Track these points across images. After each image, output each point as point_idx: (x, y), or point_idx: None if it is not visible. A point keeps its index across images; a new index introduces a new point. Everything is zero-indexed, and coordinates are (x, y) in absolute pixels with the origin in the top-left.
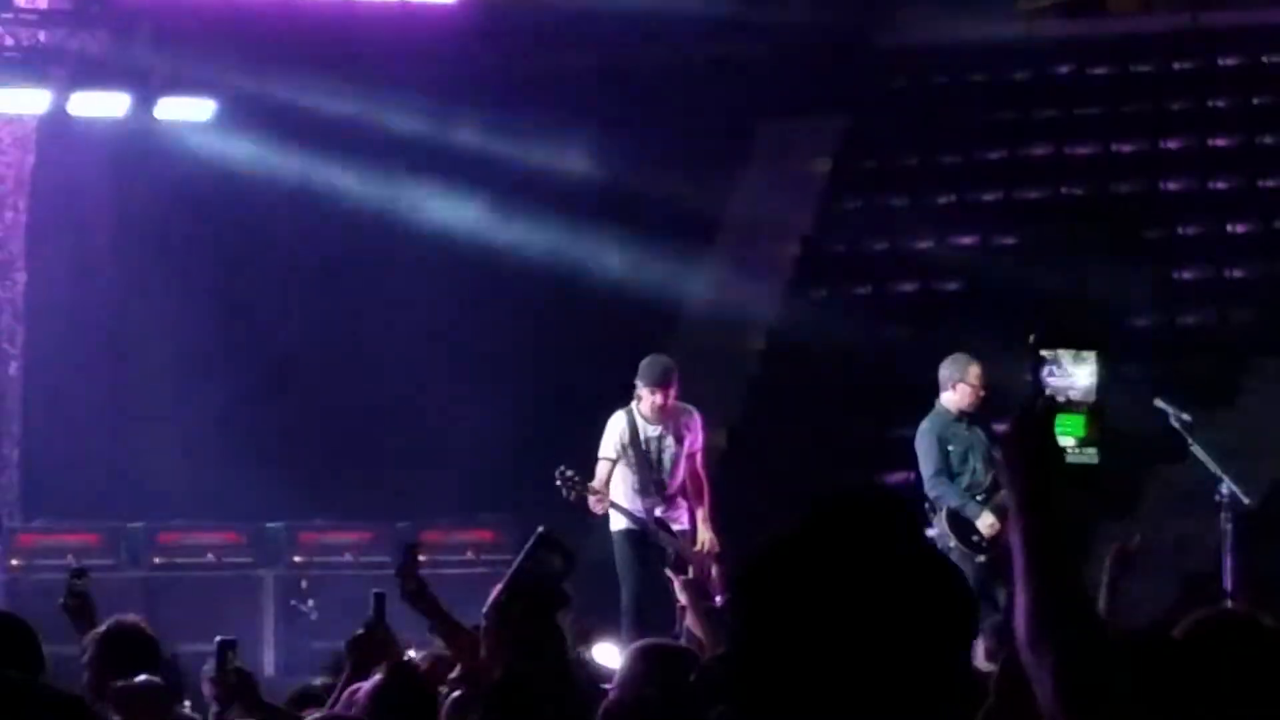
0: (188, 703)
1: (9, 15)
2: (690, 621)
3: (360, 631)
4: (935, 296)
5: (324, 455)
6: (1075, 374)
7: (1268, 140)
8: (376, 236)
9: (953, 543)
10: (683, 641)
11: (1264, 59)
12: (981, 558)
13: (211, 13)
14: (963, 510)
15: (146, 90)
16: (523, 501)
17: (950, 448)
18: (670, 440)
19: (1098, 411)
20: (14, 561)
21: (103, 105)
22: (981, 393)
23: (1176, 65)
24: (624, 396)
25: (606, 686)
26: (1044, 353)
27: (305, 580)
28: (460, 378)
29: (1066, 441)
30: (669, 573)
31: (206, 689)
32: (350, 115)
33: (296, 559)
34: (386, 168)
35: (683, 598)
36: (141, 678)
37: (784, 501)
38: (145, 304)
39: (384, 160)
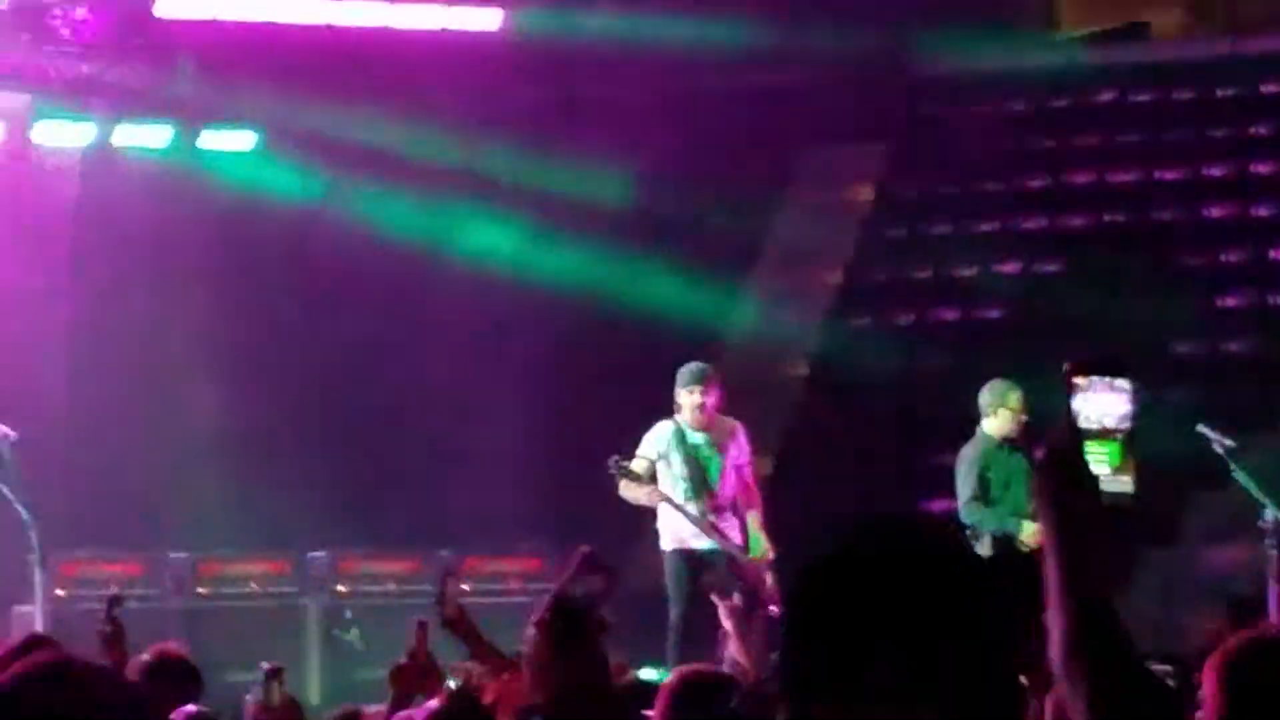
0: None
1: (51, 48)
2: (733, 648)
3: (402, 660)
4: (977, 324)
5: (367, 483)
6: (1109, 402)
7: None
8: (419, 265)
9: None
10: (725, 667)
11: None
12: None
13: (252, 43)
14: (1001, 530)
15: (189, 121)
16: (565, 529)
17: (990, 474)
18: (715, 451)
19: (1132, 439)
20: (59, 591)
21: (145, 137)
22: (1023, 418)
23: (1218, 92)
24: (667, 416)
25: (648, 713)
26: (1078, 380)
27: (349, 610)
28: (502, 405)
29: (1101, 470)
30: (714, 597)
31: (250, 715)
32: (392, 144)
33: (340, 588)
34: (430, 197)
35: (727, 624)
36: (190, 708)
37: (828, 528)
38: (188, 334)
39: (427, 190)
